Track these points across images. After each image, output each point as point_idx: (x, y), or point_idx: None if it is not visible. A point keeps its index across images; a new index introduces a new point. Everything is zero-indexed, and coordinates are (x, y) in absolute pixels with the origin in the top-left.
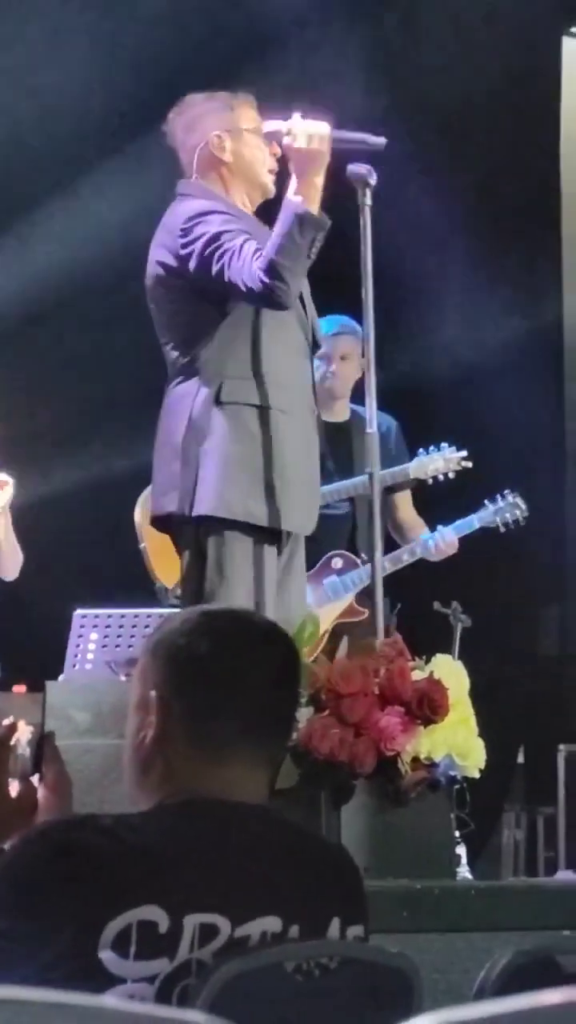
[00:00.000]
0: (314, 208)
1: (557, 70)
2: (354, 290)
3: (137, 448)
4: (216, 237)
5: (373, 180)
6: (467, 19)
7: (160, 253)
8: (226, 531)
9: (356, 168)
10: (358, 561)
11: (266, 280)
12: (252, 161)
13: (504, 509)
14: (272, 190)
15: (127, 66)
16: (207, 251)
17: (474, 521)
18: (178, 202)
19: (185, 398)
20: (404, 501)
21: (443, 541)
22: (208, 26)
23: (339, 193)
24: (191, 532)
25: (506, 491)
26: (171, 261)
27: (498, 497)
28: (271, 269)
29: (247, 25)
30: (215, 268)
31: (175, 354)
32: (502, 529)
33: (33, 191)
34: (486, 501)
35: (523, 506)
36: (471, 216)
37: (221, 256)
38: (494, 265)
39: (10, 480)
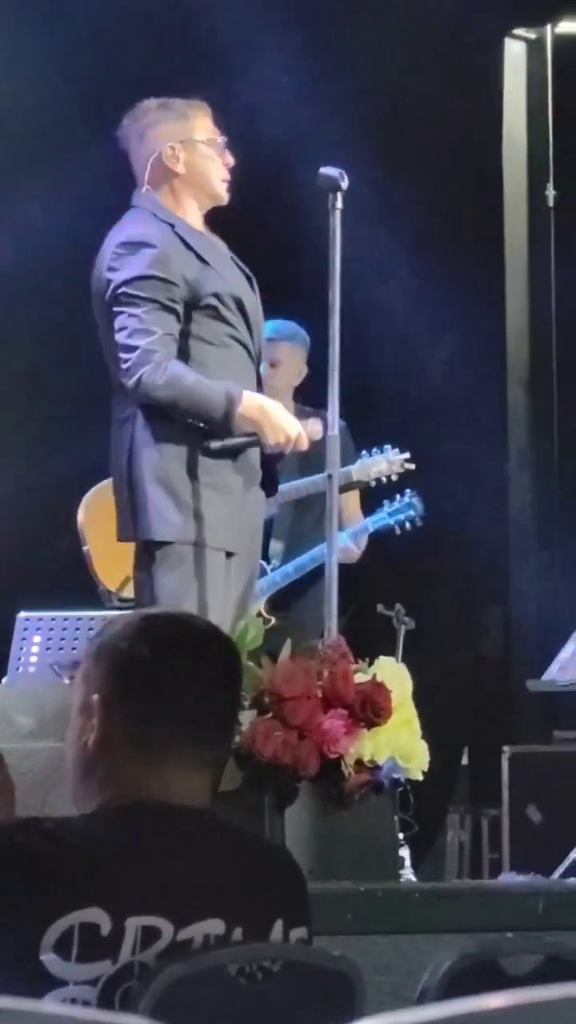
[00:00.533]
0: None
1: (499, 72)
2: (299, 294)
3: (80, 449)
4: (130, 283)
5: (345, 184)
6: (408, 21)
7: (100, 271)
8: (174, 548)
9: (328, 171)
10: (268, 569)
11: (134, 386)
12: (205, 172)
13: (400, 510)
14: (225, 198)
15: (76, 70)
16: (115, 300)
17: (368, 525)
18: (127, 215)
19: (126, 423)
20: (350, 501)
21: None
22: (148, 24)
23: (295, 196)
24: (142, 550)
25: (406, 491)
26: (103, 285)
27: (397, 497)
28: (150, 389)
29: (186, 26)
30: (115, 321)
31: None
32: (398, 531)
33: None
34: (385, 502)
35: (419, 507)
36: (415, 220)
37: (122, 316)
38: (438, 268)
39: None
